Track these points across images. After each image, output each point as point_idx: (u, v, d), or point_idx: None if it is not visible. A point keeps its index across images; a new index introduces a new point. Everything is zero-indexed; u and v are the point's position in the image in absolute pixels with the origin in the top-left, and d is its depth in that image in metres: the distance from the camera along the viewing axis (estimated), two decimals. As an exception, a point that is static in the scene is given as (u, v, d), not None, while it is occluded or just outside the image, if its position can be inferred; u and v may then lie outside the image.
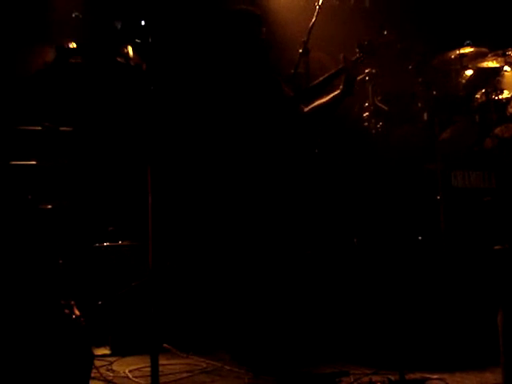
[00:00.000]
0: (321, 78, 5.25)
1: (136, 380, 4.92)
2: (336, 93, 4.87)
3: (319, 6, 5.84)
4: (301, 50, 5.76)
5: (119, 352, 5.69)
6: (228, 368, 5.15)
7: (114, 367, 5.29)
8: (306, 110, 5.04)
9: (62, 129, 5.70)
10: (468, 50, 6.44)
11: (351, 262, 5.37)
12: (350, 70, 4.82)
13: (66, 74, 6.18)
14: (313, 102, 5.02)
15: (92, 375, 4.33)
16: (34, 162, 5.46)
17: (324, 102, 4.93)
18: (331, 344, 5.21)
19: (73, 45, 5.61)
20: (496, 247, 4.82)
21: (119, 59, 5.51)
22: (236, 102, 5.04)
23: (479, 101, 6.16)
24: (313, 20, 5.81)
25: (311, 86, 5.28)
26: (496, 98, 6.08)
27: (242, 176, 5.22)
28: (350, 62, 4.84)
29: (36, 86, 6.04)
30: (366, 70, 6.18)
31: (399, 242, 5.36)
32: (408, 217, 5.47)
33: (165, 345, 5.63)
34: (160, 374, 4.07)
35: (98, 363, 4.97)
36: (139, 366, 5.21)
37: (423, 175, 5.63)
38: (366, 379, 4.59)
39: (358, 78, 5.98)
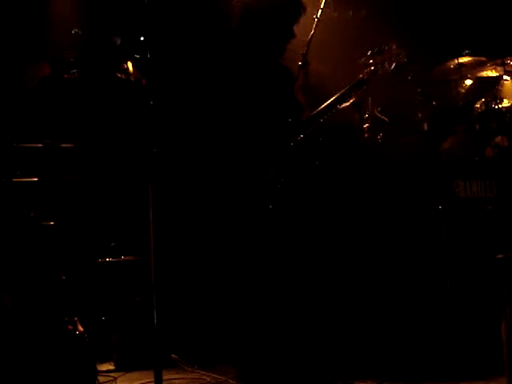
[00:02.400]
0: (327, 102, 5.27)
1: (140, 395, 4.94)
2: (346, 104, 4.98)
3: (318, 19, 5.87)
4: (300, 63, 5.78)
5: (123, 367, 5.69)
6: (233, 383, 5.14)
7: (119, 383, 5.29)
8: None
9: (62, 145, 5.71)
10: (467, 59, 6.44)
11: (353, 273, 5.37)
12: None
13: (67, 89, 6.19)
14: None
15: (96, 391, 4.34)
16: (35, 179, 5.46)
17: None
18: (334, 357, 5.20)
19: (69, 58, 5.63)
20: (498, 256, 4.81)
21: (119, 75, 5.53)
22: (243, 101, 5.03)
23: (479, 110, 6.16)
24: (311, 32, 5.83)
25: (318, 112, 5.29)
26: (496, 107, 6.08)
27: (242, 188, 5.23)
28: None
29: (35, 101, 6.05)
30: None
31: (402, 251, 5.36)
32: (410, 227, 5.46)
33: (173, 355, 5.63)
34: (164, 388, 4.08)
35: (102, 379, 4.97)
36: (143, 381, 5.21)
37: (424, 185, 5.62)
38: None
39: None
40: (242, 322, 5.33)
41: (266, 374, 5.03)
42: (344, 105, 5.14)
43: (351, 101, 5.14)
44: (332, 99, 5.16)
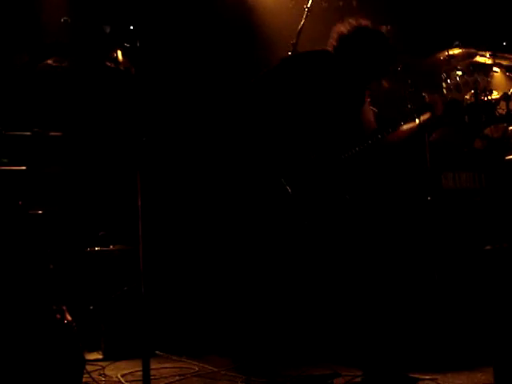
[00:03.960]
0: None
1: (128, 384, 4.94)
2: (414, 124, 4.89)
3: (308, 9, 5.87)
4: (290, 52, 5.77)
5: (112, 356, 5.69)
6: (221, 371, 5.15)
7: (107, 372, 5.28)
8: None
9: (51, 134, 5.69)
10: (457, 50, 6.44)
11: (339, 263, 5.36)
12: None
13: (57, 78, 6.18)
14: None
15: (84, 380, 4.33)
16: (24, 168, 5.45)
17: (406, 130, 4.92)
18: (321, 345, 5.21)
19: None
20: (487, 247, 4.82)
21: (108, 63, 5.51)
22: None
23: (468, 102, 6.17)
24: (302, 22, 5.83)
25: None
26: (485, 98, 6.09)
27: (234, 178, 5.22)
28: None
29: (15, 88, 6.02)
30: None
31: (390, 243, 5.37)
32: (399, 218, 5.47)
33: (157, 352, 5.64)
34: (152, 377, 4.10)
35: (90, 368, 4.96)
36: (132, 371, 5.21)
37: (414, 176, 5.63)
38: (357, 380, 4.59)
39: None
40: (235, 313, 5.35)
41: (254, 359, 5.06)
42: (411, 124, 5.06)
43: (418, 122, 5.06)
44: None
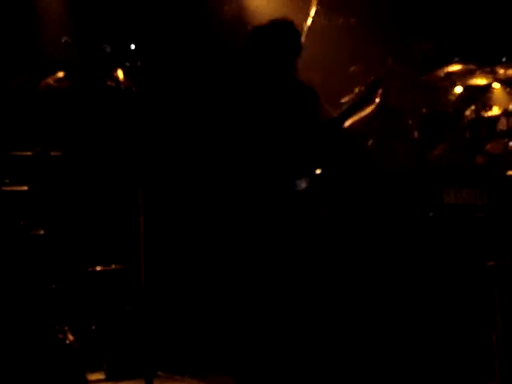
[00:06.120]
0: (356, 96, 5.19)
1: (131, 404, 4.92)
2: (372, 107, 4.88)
3: (308, 27, 5.88)
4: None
5: (114, 377, 5.67)
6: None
7: (109, 392, 5.28)
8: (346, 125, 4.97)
9: (52, 153, 5.70)
10: (456, 67, 6.45)
11: (338, 278, 5.35)
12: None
13: (56, 97, 6.19)
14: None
15: (86, 400, 4.32)
16: (25, 188, 5.45)
17: (366, 116, 4.91)
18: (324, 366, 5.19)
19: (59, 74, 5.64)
20: (489, 263, 4.83)
21: (109, 83, 5.52)
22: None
23: (469, 118, 6.18)
24: (302, 40, 5.84)
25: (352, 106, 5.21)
26: (485, 114, 6.10)
27: (234, 197, 5.21)
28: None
29: (22, 109, 6.03)
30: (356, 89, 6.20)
31: (393, 257, 5.36)
32: (400, 234, 5.47)
33: (159, 373, 5.61)
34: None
35: (92, 388, 4.95)
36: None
37: (415, 192, 5.63)
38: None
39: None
40: (235, 329, 5.32)
41: (254, 377, 5.03)
42: (369, 108, 5.04)
43: (375, 103, 5.04)
44: (351, 102, 5.07)
